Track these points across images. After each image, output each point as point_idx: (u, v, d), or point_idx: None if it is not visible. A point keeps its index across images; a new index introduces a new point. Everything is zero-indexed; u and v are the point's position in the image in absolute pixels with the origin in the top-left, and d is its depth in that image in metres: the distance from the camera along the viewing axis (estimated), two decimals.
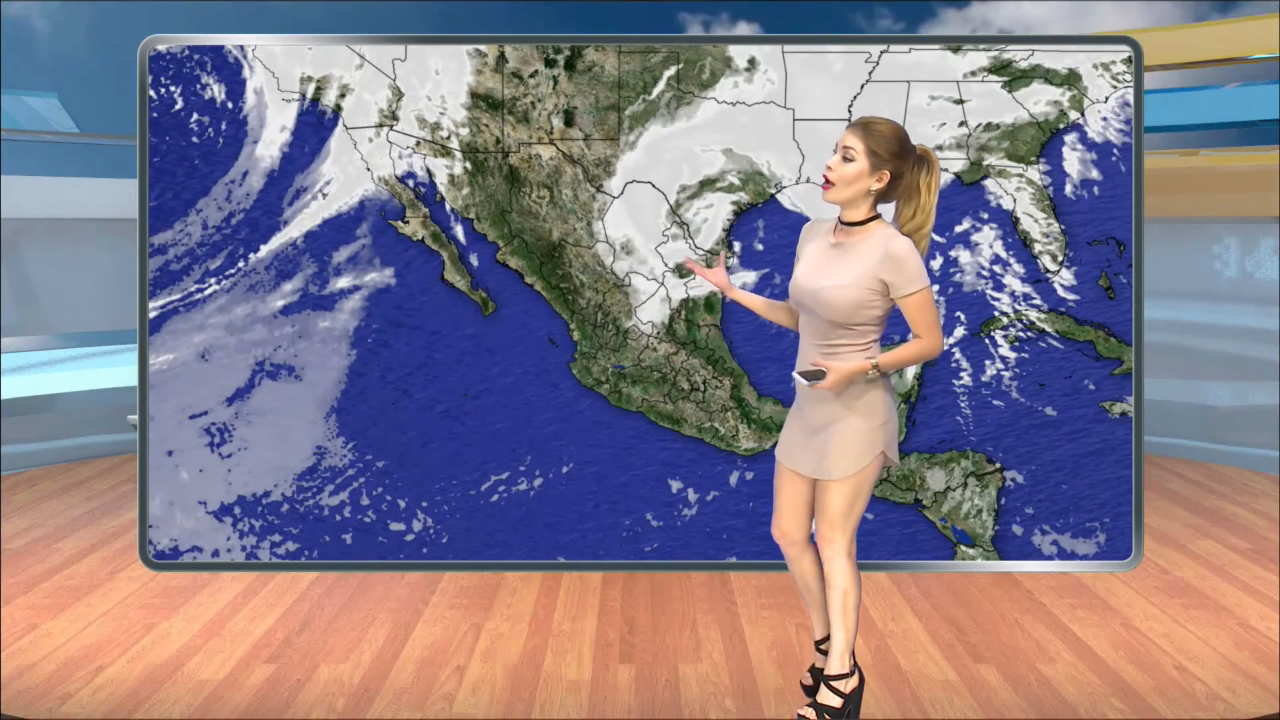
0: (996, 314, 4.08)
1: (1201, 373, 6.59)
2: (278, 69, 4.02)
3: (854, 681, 2.93)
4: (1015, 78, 4.03)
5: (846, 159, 2.75)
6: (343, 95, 4.04)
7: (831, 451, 2.82)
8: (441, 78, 4.05)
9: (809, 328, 2.84)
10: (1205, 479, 5.80)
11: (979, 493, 4.08)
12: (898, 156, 2.77)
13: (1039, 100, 4.03)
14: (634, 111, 4.06)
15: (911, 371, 4.08)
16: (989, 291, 4.09)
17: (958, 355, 4.09)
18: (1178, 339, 6.62)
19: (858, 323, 2.76)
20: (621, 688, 3.26)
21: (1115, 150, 4.02)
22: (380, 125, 4.05)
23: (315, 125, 4.05)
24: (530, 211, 4.09)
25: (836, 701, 2.88)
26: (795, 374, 2.73)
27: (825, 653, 3.04)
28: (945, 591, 4.05)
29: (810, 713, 2.88)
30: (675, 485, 4.12)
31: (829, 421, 2.84)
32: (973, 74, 4.03)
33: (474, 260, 4.11)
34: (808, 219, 4.07)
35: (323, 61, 4.02)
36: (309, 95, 4.04)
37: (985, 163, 4.06)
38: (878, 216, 2.83)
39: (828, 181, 2.77)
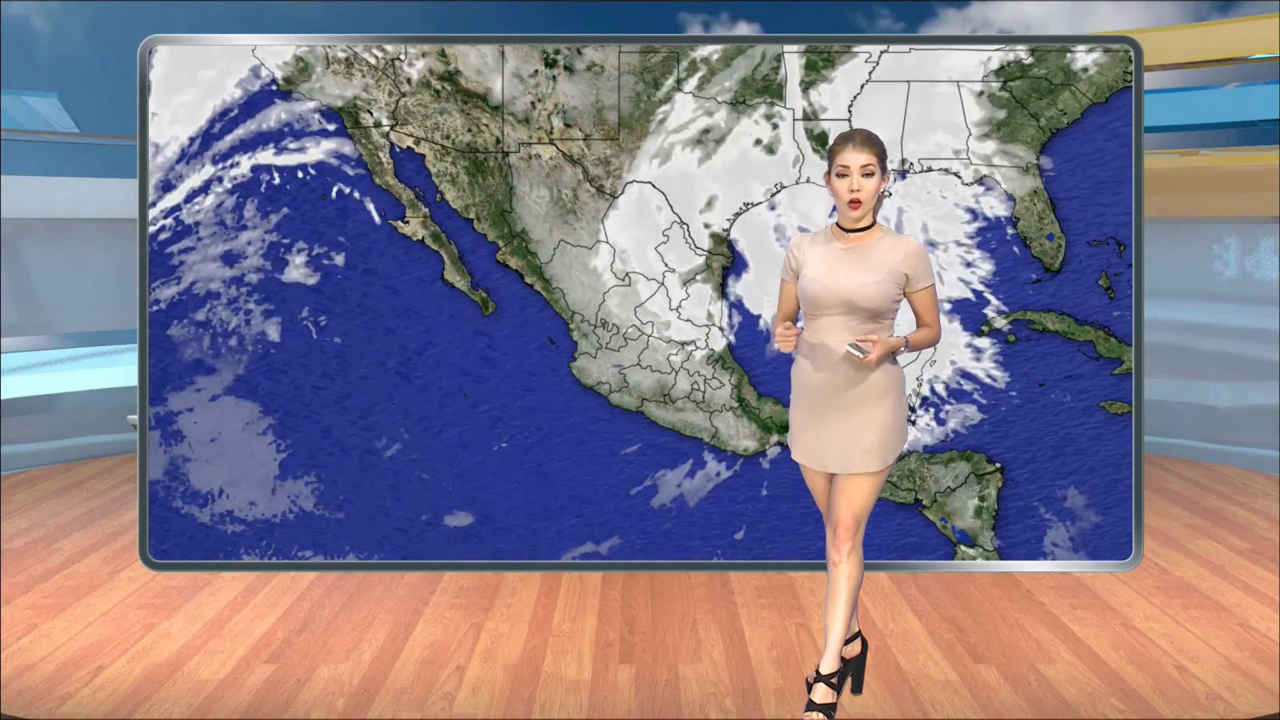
0: (996, 314, 4.08)
1: (1201, 373, 6.59)
2: (277, 70, 4.02)
3: (856, 647, 3.14)
4: (1015, 78, 4.03)
5: (869, 174, 2.87)
6: (342, 95, 4.03)
7: (869, 444, 2.92)
8: (442, 77, 4.05)
9: (838, 326, 2.92)
10: (1205, 479, 5.80)
11: (979, 493, 4.08)
12: (887, 157, 2.95)
13: (1039, 100, 4.03)
14: (634, 112, 4.06)
15: (913, 371, 4.08)
16: (989, 291, 4.09)
17: (958, 355, 4.09)
18: (1178, 339, 6.62)
19: (885, 314, 2.94)
20: (621, 688, 3.26)
21: (1115, 150, 4.02)
22: (380, 125, 4.05)
23: (315, 126, 4.05)
24: (530, 211, 4.09)
25: (835, 697, 2.92)
26: (847, 346, 2.87)
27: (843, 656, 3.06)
28: (945, 591, 4.05)
29: (818, 716, 2.90)
30: (675, 485, 4.13)
31: (861, 407, 2.92)
32: (973, 74, 4.03)
33: (474, 260, 4.11)
34: (806, 217, 4.10)
35: (323, 62, 4.02)
36: (309, 96, 4.03)
37: (985, 162, 4.06)
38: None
39: (858, 202, 2.88)
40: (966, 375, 4.09)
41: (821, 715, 2.89)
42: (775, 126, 4.07)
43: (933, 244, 4.06)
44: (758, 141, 4.07)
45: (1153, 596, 4.01)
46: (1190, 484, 5.70)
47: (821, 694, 2.92)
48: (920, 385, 4.09)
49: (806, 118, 4.06)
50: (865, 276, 2.90)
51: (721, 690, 3.24)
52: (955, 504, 4.09)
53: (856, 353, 2.85)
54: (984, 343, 4.09)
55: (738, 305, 4.11)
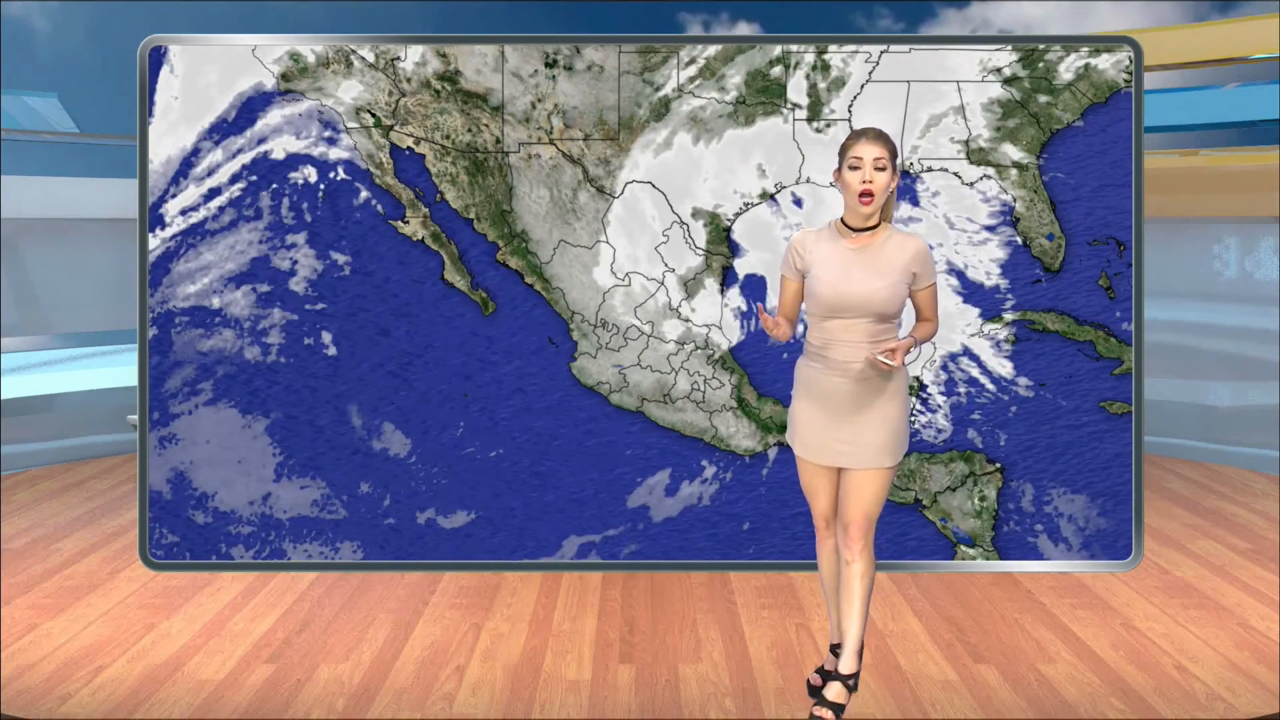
0: (996, 314, 4.08)
1: (1201, 373, 6.58)
2: (277, 70, 4.02)
3: None
4: (1015, 78, 4.03)
5: (881, 168, 2.88)
6: (342, 96, 4.04)
7: (882, 439, 2.94)
8: (442, 77, 4.05)
9: (854, 329, 2.92)
10: (1205, 479, 5.80)
11: (979, 493, 4.08)
12: (898, 157, 2.98)
13: (1039, 100, 4.03)
14: (634, 112, 4.06)
15: (913, 371, 4.08)
16: (989, 291, 4.09)
17: (958, 355, 4.09)
18: (1178, 339, 6.62)
19: (896, 315, 2.97)
20: (621, 688, 3.26)
21: (1115, 150, 4.02)
22: (380, 125, 4.05)
23: (314, 126, 4.05)
24: (530, 211, 4.09)
25: (847, 698, 2.93)
26: (878, 355, 2.87)
27: (837, 654, 3.06)
28: (945, 591, 4.05)
29: (828, 713, 2.90)
30: (675, 485, 4.13)
31: (874, 405, 2.94)
32: (973, 74, 4.03)
33: (474, 260, 4.11)
34: (806, 216, 4.09)
35: (322, 62, 4.02)
36: (308, 96, 4.03)
37: (985, 162, 4.06)
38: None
39: (870, 195, 2.87)
40: (966, 375, 4.09)
41: (830, 713, 2.89)
42: (776, 126, 4.07)
43: (932, 245, 4.06)
44: (758, 141, 4.07)
45: (1153, 596, 4.01)
46: (1190, 484, 5.70)
47: (835, 692, 2.93)
48: (920, 385, 4.09)
49: (807, 117, 4.06)
50: (880, 280, 2.90)
51: (721, 690, 3.24)
52: (955, 504, 4.09)
53: (886, 362, 2.86)
54: (984, 343, 4.09)
55: (738, 305, 4.11)
